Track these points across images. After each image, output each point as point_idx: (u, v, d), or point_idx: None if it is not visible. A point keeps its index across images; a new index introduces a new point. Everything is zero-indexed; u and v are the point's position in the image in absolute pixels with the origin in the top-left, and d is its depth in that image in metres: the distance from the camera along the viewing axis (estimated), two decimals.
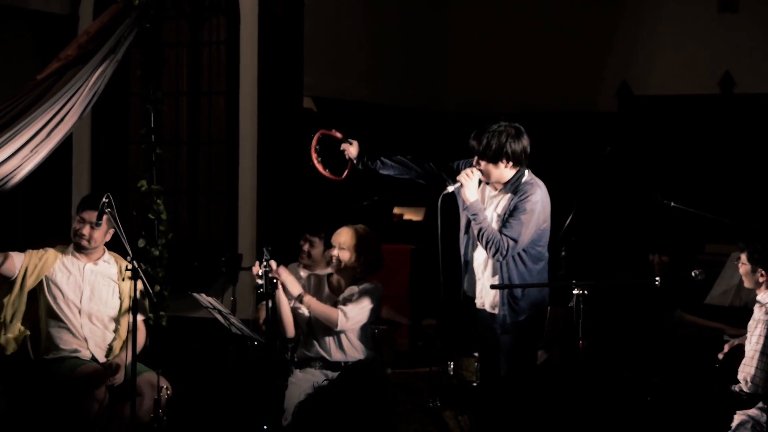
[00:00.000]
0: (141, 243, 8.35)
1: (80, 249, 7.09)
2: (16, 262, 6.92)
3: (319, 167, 7.32)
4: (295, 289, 6.92)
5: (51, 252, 7.06)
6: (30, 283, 6.94)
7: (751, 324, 6.49)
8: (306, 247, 8.30)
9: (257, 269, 6.74)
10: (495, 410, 6.89)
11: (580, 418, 6.43)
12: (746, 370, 6.36)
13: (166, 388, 6.75)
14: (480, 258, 6.95)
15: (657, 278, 6.57)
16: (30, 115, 7.34)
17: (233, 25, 9.92)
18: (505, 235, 6.64)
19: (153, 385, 6.83)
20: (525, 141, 6.78)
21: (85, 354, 6.99)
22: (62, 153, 8.77)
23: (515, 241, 6.63)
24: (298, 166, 9.77)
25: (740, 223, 7.91)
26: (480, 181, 6.88)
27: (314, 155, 7.26)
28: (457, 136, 11.87)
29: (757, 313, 6.45)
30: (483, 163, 6.79)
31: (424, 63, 11.74)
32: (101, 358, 7.02)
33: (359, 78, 10.90)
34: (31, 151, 7.38)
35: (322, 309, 6.91)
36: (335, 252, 7.00)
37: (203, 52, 10.21)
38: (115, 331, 7.11)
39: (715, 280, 8.11)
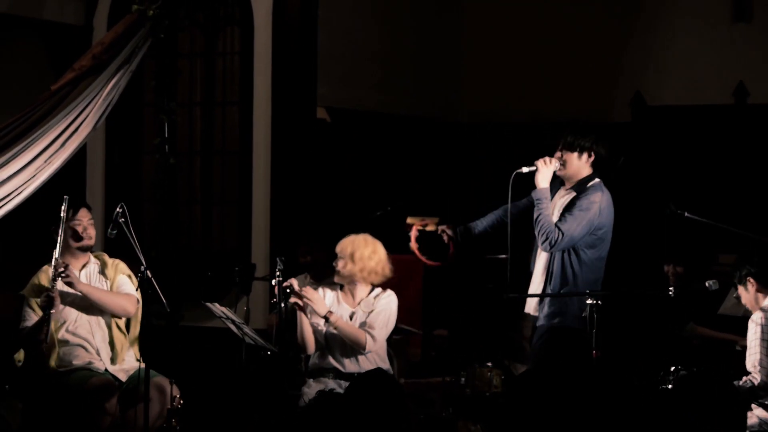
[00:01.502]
0: (154, 253, 8.38)
1: (84, 250, 7.08)
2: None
3: (424, 260, 7.39)
4: (322, 308, 6.92)
5: (42, 275, 7.04)
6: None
7: (749, 323, 6.68)
8: (308, 258, 8.35)
9: (283, 283, 6.79)
10: (508, 419, 6.88)
11: (590, 425, 6.43)
12: (752, 359, 6.56)
13: (180, 398, 6.75)
14: (538, 265, 7.04)
15: (671, 289, 6.60)
16: (44, 125, 7.37)
17: (247, 36, 9.94)
18: (557, 226, 6.77)
19: (162, 391, 6.82)
20: (605, 148, 6.99)
21: (98, 366, 6.98)
22: (76, 163, 8.81)
23: (563, 233, 6.72)
24: (312, 176, 9.80)
25: (753, 233, 7.90)
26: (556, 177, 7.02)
27: (417, 251, 7.33)
28: (470, 147, 11.95)
29: (755, 314, 6.67)
30: (565, 153, 6.96)
31: (437, 73, 11.75)
32: (109, 364, 6.99)
33: (373, 88, 10.91)
34: (45, 161, 7.40)
35: (349, 330, 6.91)
36: (340, 263, 7.00)
37: (217, 63, 10.23)
38: (117, 328, 7.09)
39: (729, 290, 8.09)
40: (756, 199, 10.55)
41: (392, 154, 10.93)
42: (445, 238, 7.34)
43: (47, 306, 6.75)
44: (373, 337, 6.89)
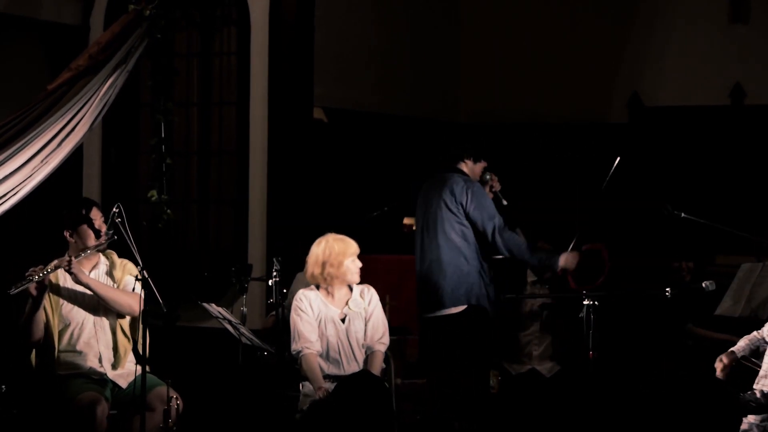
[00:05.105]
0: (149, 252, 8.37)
1: (99, 250, 6.97)
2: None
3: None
4: None
5: (52, 274, 6.90)
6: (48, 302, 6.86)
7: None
8: None
9: None
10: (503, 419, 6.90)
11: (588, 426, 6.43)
12: (764, 383, 6.46)
13: (176, 398, 6.69)
14: None
15: (667, 290, 6.59)
16: (41, 125, 7.37)
17: (244, 36, 9.94)
18: None
19: (165, 401, 6.74)
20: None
21: (99, 371, 6.88)
22: (73, 163, 8.80)
23: None
24: (309, 177, 9.80)
25: (750, 234, 7.91)
26: None
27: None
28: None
29: None
30: None
31: (434, 73, 11.75)
32: (109, 370, 6.93)
33: (370, 88, 10.91)
34: (42, 161, 7.40)
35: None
36: (355, 275, 7.02)
37: (214, 63, 10.23)
38: (121, 332, 7.02)
39: (725, 291, 8.09)
40: (753, 200, 10.55)
41: (389, 154, 10.92)
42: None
43: (39, 292, 6.64)
44: (385, 345, 7.01)
